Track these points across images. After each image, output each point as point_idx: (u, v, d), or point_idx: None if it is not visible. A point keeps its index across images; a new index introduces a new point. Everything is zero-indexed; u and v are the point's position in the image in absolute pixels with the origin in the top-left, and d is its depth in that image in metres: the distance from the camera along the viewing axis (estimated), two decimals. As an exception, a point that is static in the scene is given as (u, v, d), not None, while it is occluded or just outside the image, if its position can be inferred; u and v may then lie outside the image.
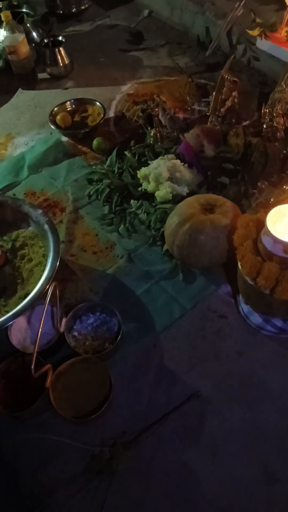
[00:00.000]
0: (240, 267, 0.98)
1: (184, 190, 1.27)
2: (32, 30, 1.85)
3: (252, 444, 0.92)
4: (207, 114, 1.49)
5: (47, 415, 0.98)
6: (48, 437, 0.95)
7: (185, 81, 1.67)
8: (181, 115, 1.56)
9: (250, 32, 1.59)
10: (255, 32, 1.58)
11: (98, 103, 1.60)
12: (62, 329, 1.06)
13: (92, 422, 0.95)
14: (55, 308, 1.08)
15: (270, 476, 0.88)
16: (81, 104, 1.63)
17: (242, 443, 0.93)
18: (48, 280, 1.05)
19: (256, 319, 1.05)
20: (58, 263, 1.08)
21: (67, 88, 1.78)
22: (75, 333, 1.07)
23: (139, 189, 1.32)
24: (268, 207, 1.04)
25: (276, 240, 0.91)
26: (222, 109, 1.46)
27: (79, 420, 0.94)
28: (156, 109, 1.49)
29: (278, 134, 1.35)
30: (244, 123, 1.47)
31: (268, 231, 0.91)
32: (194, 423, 0.96)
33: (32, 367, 0.90)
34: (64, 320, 1.07)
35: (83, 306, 1.10)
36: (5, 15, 1.59)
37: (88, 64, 1.86)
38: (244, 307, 1.07)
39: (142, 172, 1.31)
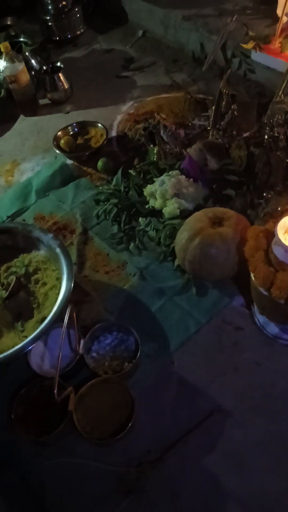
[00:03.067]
0: (253, 278, 0.99)
1: (191, 205, 1.28)
2: (31, 58, 1.89)
3: (279, 456, 0.92)
4: (208, 128, 1.51)
5: (70, 438, 0.98)
6: (73, 460, 0.95)
7: (183, 97, 1.70)
8: (182, 131, 1.57)
9: (244, 45, 1.62)
10: (249, 45, 1.61)
11: (100, 125, 1.63)
12: (81, 351, 1.06)
13: (116, 443, 0.95)
14: (72, 330, 1.09)
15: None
16: (83, 126, 1.66)
17: (268, 455, 0.92)
18: (65, 302, 1.06)
19: (272, 329, 1.05)
20: (72, 285, 1.10)
21: (68, 112, 1.81)
22: (94, 354, 1.07)
23: (147, 206, 1.34)
24: (276, 216, 1.05)
25: (287, 250, 0.91)
26: (222, 122, 1.48)
27: (103, 441, 0.94)
28: (158, 127, 1.52)
29: (280, 143, 1.37)
30: (245, 135, 1.49)
31: (279, 241, 0.92)
32: (218, 438, 0.96)
33: (55, 391, 0.91)
34: (82, 342, 1.08)
35: (100, 327, 1.11)
36: (4, 46, 1.63)
37: (87, 87, 1.90)
38: (260, 318, 1.07)
39: (148, 189, 1.33)
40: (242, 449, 0.94)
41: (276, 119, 1.36)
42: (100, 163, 1.52)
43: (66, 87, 1.82)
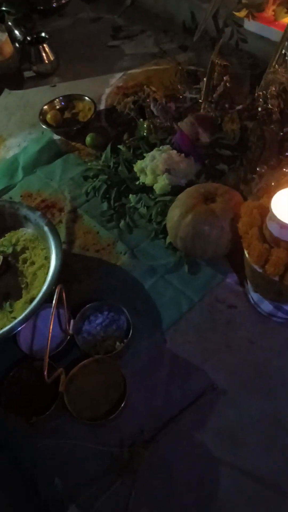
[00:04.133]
0: (247, 255, 0.96)
1: (182, 180, 1.25)
2: (14, 29, 1.82)
3: (273, 434, 0.91)
4: (200, 101, 1.46)
5: (62, 419, 0.96)
6: (65, 441, 0.94)
7: (174, 69, 1.64)
8: (173, 104, 1.52)
9: (237, 14, 1.55)
10: (242, 14, 1.55)
11: (87, 98, 1.58)
12: (71, 331, 1.04)
13: (109, 423, 0.94)
14: (62, 310, 1.06)
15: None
16: (71, 100, 1.60)
17: (262, 433, 0.91)
18: (54, 282, 1.03)
19: (266, 306, 1.03)
20: (61, 265, 1.07)
21: (54, 85, 1.75)
22: (85, 334, 1.05)
23: (137, 183, 1.30)
24: (270, 192, 1.02)
25: (283, 225, 0.89)
26: (214, 95, 1.43)
27: (95, 422, 0.93)
28: (147, 100, 1.47)
29: (274, 116, 1.33)
30: (238, 108, 1.44)
31: (274, 216, 0.89)
32: (211, 417, 0.95)
33: (45, 372, 0.89)
34: (72, 322, 1.05)
35: (91, 306, 1.08)
36: (-14, 15, 1.56)
37: (74, 59, 1.83)
38: (254, 295, 1.05)
39: (138, 165, 1.29)
40: (236, 427, 0.93)
41: (270, 91, 1.31)
42: (88, 139, 1.47)
43: (52, 58, 1.75)
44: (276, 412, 0.94)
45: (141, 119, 1.45)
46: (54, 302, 0.97)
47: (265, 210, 0.96)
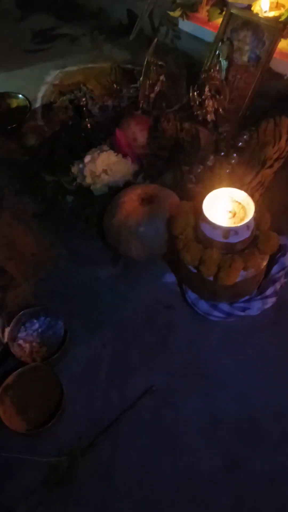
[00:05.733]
0: (182, 256, 0.97)
1: (120, 181, 1.24)
2: None
3: (210, 433, 0.92)
4: (137, 100, 1.46)
5: (-2, 431, 0.93)
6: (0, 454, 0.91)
7: (111, 67, 1.62)
8: (110, 103, 1.51)
9: (172, 13, 1.56)
10: (176, 13, 1.56)
11: (22, 96, 1.53)
12: (5, 339, 1.01)
13: (46, 433, 0.91)
14: (-5, 317, 1.03)
15: (230, 463, 0.89)
16: (4, 98, 1.54)
17: (200, 433, 0.92)
18: (-15, 290, 0.99)
19: (203, 305, 1.04)
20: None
21: (-14, 82, 1.68)
22: (20, 342, 1.02)
23: (74, 183, 1.28)
24: (204, 192, 1.03)
25: (214, 226, 0.90)
26: (151, 94, 1.43)
27: (31, 432, 0.91)
28: (84, 99, 1.44)
29: (208, 116, 1.35)
30: (175, 107, 1.45)
31: (206, 217, 0.90)
32: (150, 418, 0.95)
33: (-25, 384, 0.86)
34: (7, 330, 1.02)
35: (26, 312, 1.05)
36: None
37: (7, 55, 1.77)
38: (191, 295, 1.06)
39: (75, 166, 1.27)
40: (174, 428, 0.93)
41: (204, 91, 1.33)
42: (24, 138, 1.42)
43: (-16, 53, 1.69)
44: (214, 411, 0.95)
45: (79, 118, 1.42)
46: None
47: (199, 211, 0.96)
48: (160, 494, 0.87)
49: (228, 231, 0.91)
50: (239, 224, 0.91)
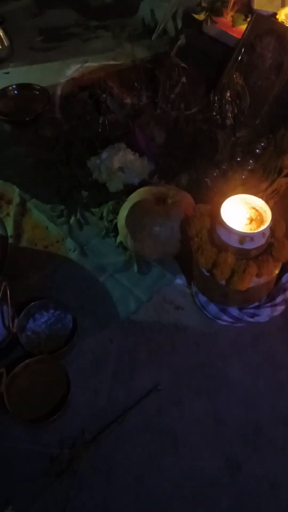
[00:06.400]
0: (195, 258, 0.97)
1: (135, 180, 1.24)
2: None
3: (213, 434, 0.93)
4: (156, 100, 1.46)
5: (1, 420, 0.93)
6: (3, 443, 0.91)
7: (132, 66, 1.62)
8: (129, 101, 1.52)
9: (196, 16, 1.57)
10: (201, 16, 1.57)
11: (41, 88, 1.53)
12: (14, 329, 1.01)
13: (50, 424, 0.92)
14: (5, 307, 1.03)
15: (232, 464, 0.89)
16: (24, 89, 1.55)
17: (203, 433, 0.93)
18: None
19: (212, 309, 1.05)
20: (6, 259, 1.03)
21: (8, 72, 1.69)
22: (29, 333, 1.03)
23: (90, 179, 1.28)
24: (220, 196, 1.04)
25: (231, 231, 0.90)
26: (171, 95, 1.44)
27: (36, 423, 0.91)
28: (103, 95, 1.45)
29: (227, 121, 1.35)
30: (194, 109, 1.46)
31: (223, 222, 0.91)
32: (154, 417, 0.95)
33: (-16, 372, 0.86)
34: (16, 320, 1.02)
35: (36, 304, 1.05)
36: None
37: (30, 47, 1.78)
38: (201, 298, 1.07)
39: (92, 161, 1.27)
40: (178, 428, 0.94)
41: (225, 95, 1.34)
42: (41, 130, 1.43)
43: (6, 44, 1.70)
44: (216, 413, 0.95)
45: (97, 114, 1.43)
46: (-3, 298, 0.94)
47: (215, 214, 0.97)
48: (161, 491, 0.87)
49: (244, 237, 0.91)
50: (255, 231, 0.91)
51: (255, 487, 0.87)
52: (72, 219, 1.25)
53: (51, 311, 1.05)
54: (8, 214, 1.27)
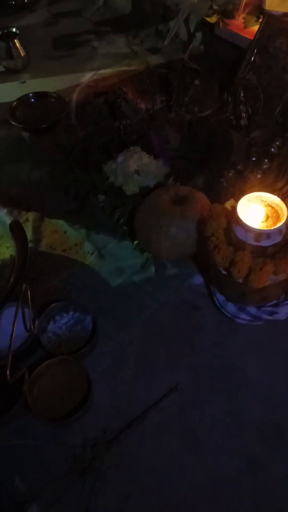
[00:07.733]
0: (212, 257, 0.98)
1: (151, 182, 1.25)
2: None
3: (234, 434, 0.92)
4: (170, 104, 1.48)
5: (24, 420, 0.95)
6: (27, 442, 0.93)
7: (145, 71, 1.64)
8: (143, 106, 1.53)
9: (208, 19, 1.58)
10: (212, 19, 1.58)
11: (58, 96, 1.56)
12: (35, 330, 1.03)
13: (72, 424, 0.93)
14: (26, 309, 1.05)
15: (254, 465, 0.89)
16: (41, 97, 1.58)
17: (224, 434, 0.93)
18: (17, 281, 1.02)
19: (230, 308, 1.05)
20: (27, 263, 1.05)
21: (24, 82, 1.72)
22: (49, 334, 1.04)
23: (106, 183, 1.30)
24: (236, 196, 1.04)
25: (247, 229, 0.91)
26: (184, 98, 1.45)
27: (58, 422, 0.92)
28: (118, 101, 1.47)
29: (242, 121, 1.36)
30: (208, 112, 1.47)
31: (240, 220, 0.91)
32: (175, 417, 0.95)
33: (8, 372, 0.88)
34: (36, 322, 1.04)
35: (56, 306, 1.07)
36: None
37: (45, 56, 1.82)
38: (219, 297, 1.07)
39: (108, 166, 1.29)
40: (199, 428, 0.94)
41: (239, 96, 1.34)
42: (57, 137, 1.46)
43: (22, 55, 1.73)
44: (237, 413, 0.95)
45: (112, 119, 1.45)
46: (18, 300, 0.96)
47: (231, 214, 0.97)
48: (183, 492, 0.87)
49: (260, 235, 0.92)
50: (272, 228, 0.91)
51: (276, 488, 0.86)
52: (90, 223, 1.27)
53: (71, 313, 1.07)
54: (27, 220, 1.30)
